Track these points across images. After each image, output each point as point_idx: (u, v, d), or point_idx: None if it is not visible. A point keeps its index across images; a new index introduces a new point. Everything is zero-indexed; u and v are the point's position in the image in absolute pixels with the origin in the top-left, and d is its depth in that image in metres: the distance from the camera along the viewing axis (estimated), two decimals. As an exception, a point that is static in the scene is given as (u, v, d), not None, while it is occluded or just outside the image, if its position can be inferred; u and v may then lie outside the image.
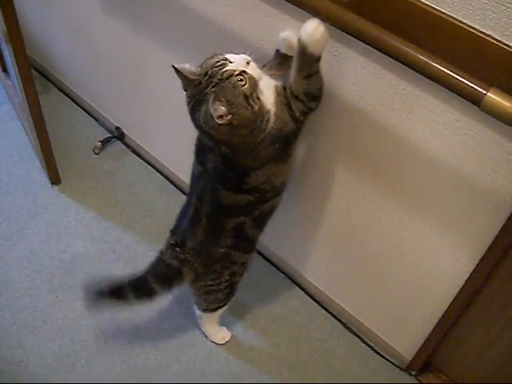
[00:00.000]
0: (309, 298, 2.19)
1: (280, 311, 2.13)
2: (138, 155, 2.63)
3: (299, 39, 1.35)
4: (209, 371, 1.96)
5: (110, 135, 2.67)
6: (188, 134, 2.21)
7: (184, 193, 2.46)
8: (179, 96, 2.13)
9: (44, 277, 2.16)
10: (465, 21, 1.16)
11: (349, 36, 1.35)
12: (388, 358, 2.04)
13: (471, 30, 1.15)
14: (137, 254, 2.25)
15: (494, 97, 1.11)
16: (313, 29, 1.33)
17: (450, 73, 1.17)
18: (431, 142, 1.41)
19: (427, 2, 1.19)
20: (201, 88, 1.37)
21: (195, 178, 1.70)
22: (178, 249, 1.78)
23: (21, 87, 2.10)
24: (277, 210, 1.71)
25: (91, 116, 2.78)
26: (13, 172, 2.50)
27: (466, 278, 1.59)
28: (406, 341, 1.95)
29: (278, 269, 2.25)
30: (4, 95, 2.77)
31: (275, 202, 1.68)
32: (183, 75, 1.39)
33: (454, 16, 1.17)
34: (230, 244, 1.72)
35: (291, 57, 1.46)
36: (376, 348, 2.06)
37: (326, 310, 2.16)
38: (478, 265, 1.53)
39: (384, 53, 1.29)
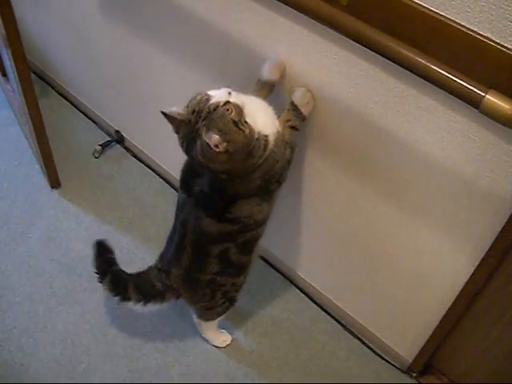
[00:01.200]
0: (309, 301, 2.19)
1: (280, 314, 2.14)
2: (138, 159, 2.63)
3: (292, 102, 1.60)
4: (209, 374, 1.96)
5: (109, 139, 2.67)
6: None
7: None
8: (179, 100, 2.13)
9: (44, 281, 2.16)
10: (463, 23, 1.16)
11: (348, 39, 1.35)
12: (389, 360, 2.04)
13: (470, 32, 1.15)
14: (137, 258, 2.25)
15: (492, 99, 1.11)
16: (301, 96, 1.60)
17: (449, 75, 1.17)
18: (430, 144, 1.41)
19: (426, 5, 1.20)
20: (191, 125, 1.44)
21: (180, 206, 1.75)
22: (164, 275, 1.82)
23: (20, 91, 2.10)
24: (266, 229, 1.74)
25: (91, 120, 2.78)
26: (13, 176, 2.50)
27: (466, 280, 1.59)
28: (407, 343, 1.95)
29: (278, 271, 2.26)
30: (3, 99, 2.77)
31: (259, 232, 1.72)
32: (173, 118, 1.47)
33: (453, 18, 1.17)
34: (215, 271, 1.75)
35: (271, 83, 1.65)
36: (377, 350, 2.06)
37: (327, 313, 2.16)
38: (477, 267, 1.53)
39: (383, 56, 1.29)
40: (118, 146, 2.68)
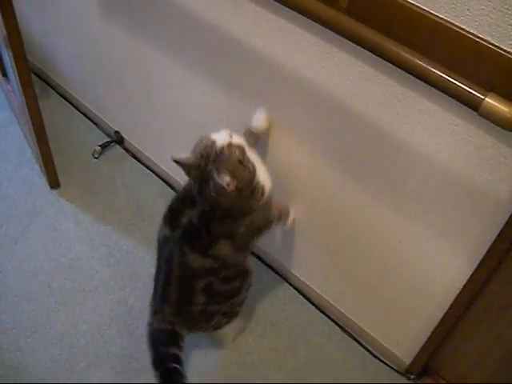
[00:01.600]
0: (307, 302, 2.19)
1: (278, 315, 2.14)
2: (138, 160, 2.63)
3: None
4: (207, 375, 1.96)
5: (109, 139, 2.67)
6: (187, 139, 2.22)
7: (183, 197, 2.47)
8: (179, 101, 2.14)
9: (43, 281, 2.16)
10: (463, 26, 1.17)
11: (347, 41, 1.36)
12: (386, 362, 2.04)
13: (469, 35, 1.16)
14: (135, 258, 2.25)
15: (491, 102, 1.11)
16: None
17: (449, 78, 1.17)
18: (430, 147, 1.41)
19: (426, 8, 1.20)
20: (202, 168, 1.58)
21: (161, 243, 1.81)
22: (160, 315, 1.85)
23: (20, 92, 2.10)
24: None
25: (90, 120, 2.79)
26: (12, 176, 2.50)
27: (464, 282, 1.59)
28: (405, 345, 1.95)
29: (276, 273, 2.26)
30: (4, 100, 2.78)
31: (242, 268, 1.84)
32: (184, 164, 1.61)
33: (452, 21, 1.18)
34: (203, 301, 1.80)
35: (258, 134, 1.80)
36: (374, 352, 2.07)
37: (325, 314, 2.16)
38: (476, 268, 1.53)
39: (382, 58, 1.30)
40: (117, 146, 2.68)
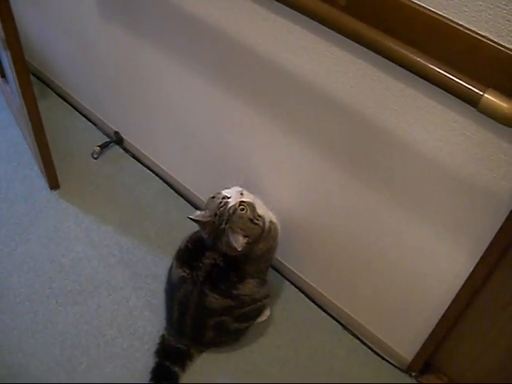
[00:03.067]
0: (309, 301, 2.19)
1: (280, 314, 2.14)
2: (137, 159, 2.63)
3: None
4: (209, 374, 1.96)
5: (108, 140, 2.67)
6: (186, 138, 2.23)
7: (183, 196, 2.47)
8: (178, 101, 2.14)
9: (44, 281, 2.16)
10: (461, 22, 1.17)
11: (345, 38, 1.36)
12: (388, 359, 2.04)
13: (467, 31, 1.16)
14: (136, 258, 2.25)
15: (490, 98, 1.11)
16: None
17: (447, 74, 1.17)
18: (429, 143, 1.41)
19: (423, 4, 1.20)
20: (216, 226, 1.72)
21: (174, 285, 1.87)
22: (176, 339, 1.96)
23: (19, 93, 2.10)
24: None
25: (90, 121, 2.79)
26: (12, 177, 2.50)
27: (465, 279, 1.59)
28: (406, 342, 1.95)
29: (277, 271, 2.26)
30: (2, 101, 2.78)
31: (255, 307, 1.92)
32: (199, 221, 1.74)
33: (450, 18, 1.18)
34: (211, 336, 1.92)
35: None
36: (376, 349, 2.07)
37: (326, 312, 2.16)
38: (477, 265, 1.53)
39: (381, 55, 1.30)
40: (116, 146, 2.68)
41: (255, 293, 1.86)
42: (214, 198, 1.75)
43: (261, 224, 1.74)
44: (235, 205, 1.70)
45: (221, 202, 1.72)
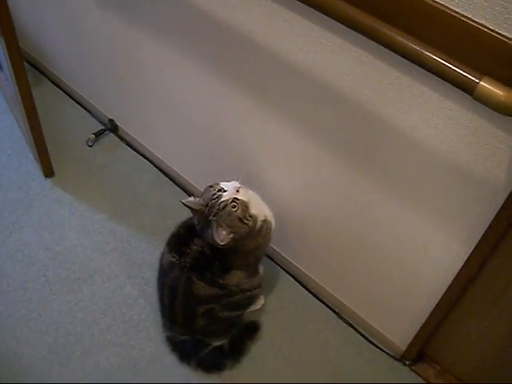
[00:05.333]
0: (303, 289, 2.20)
1: (275, 303, 2.14)
2: (132, 147, 2.62)
3: None
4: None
5: (103, 127, 2.66)
6: (182, 126, 2.22)
7: (178, 184, 2.47)
8: (173, 88, 2.13)
9: (38, 269, 2.16)
10: (458, 10, 1.16)
11: (342, 26, 1.35)
12: (382, 347, 2.05)
13: (464, 19, 1.15)
14: (131, 246, 2.25)
15: (486, 85, 1.11)
16: None
17: (443, 62, 1.17)
18: (424, 132, 1.41)
19: (420, -8, 1.20)
20: (204, 216, 1.71)
21: (164, 270, 1.89)
22: (175, 330, 1.98)
23: (13, 80, 2.09)
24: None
25: (84, 108, 2.78)
26: (6, 165, 2.49)
27: (459, 268, 1.59)
28: (400, 331, 1.96)
29: (273, 260, 2.26)
30: (-4, 88, 2.77)
31: (245, 296, 1.92)
32: (190, 208, 1.73)
33: (447, 5, 1.17)
34: (202, 324, 1.90)
35: None
36: (370, 338, 2.07)
37: (321, 301, 2.16)
38: (471, 254, 1.53)
39: (377, 42, 1.29)
40: (111, 134, 2.67)
41: (243, 284, 1.86)
42: (211, 187, 1.74)
43: (250, 224, 1.72)
44: (228, 200, 1.68)
45: (214, 194, 1.71)
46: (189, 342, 1.95)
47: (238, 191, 1.72)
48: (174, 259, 1.82)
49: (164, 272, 1.88)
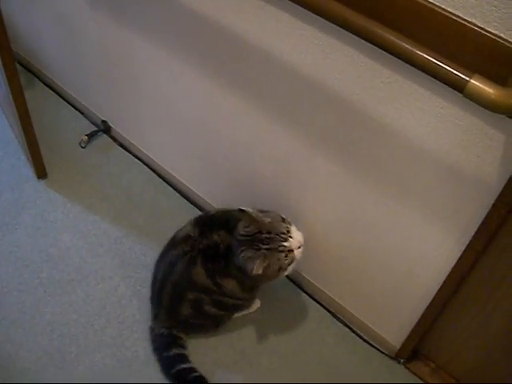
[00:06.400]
0: (298, 289, 2.20)
1: (269, 302, 2.14)
2: (125, 148, 2.62)
3: None
4: (195, 362, 1.96)
5: (96, 129, 2.66)
6: (174, 127, 2.22)
7: (171, 185, 2.47)
8: (165, 89, 2.13)
9: (32, 271, 2.15)
10: (448, 9, 1.16)
11: (333, 25, 1.35)
12: (377, 346, 2.05)
13: (454, 17, 1.15)
14: (125, 247, 2.25)
15: (476, 83, 1.11)
16: None
17: (434, 60, 1.17)
18: (416, 130, 1.41)
19: (410, -10, 1.20)
20: (257, 237, 1.66)
21: (174, 242, 1.87)
22: (158, 318, 1.95)
23: (5, 81, 2.08)
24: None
25: (77, 110, 2.77)
26: (-1, 167, 2.49)
27: (452, 265, 1.60)
28: (395, 329, 1.96)
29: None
30: (-12, 90, 2.76)
31: (236, 303, 1.93)
32: (252, 218, 1.67)
33: (438, 4, 1.17)
34: (186, 314, 1.88)
35: None
36: (365, 337, 2.08)
37: (315, 301, 2.17)
38: (464, 251, 1.54)
39: (368, 41, 1.29)
40: (104, 135, 2.67)
41: (237, 293, 1.87)
42: (283, 221, 1.71)
43: (280, 274, 1.71)
44: (287, 248, 1.67)
45: (283, 233, 1.67)
46: (164, 336, 1.93)
47: (299, 248, 1.70)
48: (193, 234, 1.81)
49: (173, 244, 1.86)
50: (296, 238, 1.70)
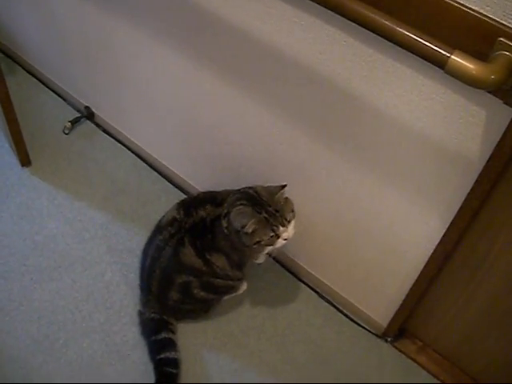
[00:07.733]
0: (284, 270, 2.21)
1: (256, 284, 2.15)
2: (109, 134, 2.61)
3: None
4: (186, 345, 1.97)
5: (79, 115, 2.64)
6: (158, 112, 2.21)
7: (156, 170, 2.46)
8: (148, 73, 2.12)
9: (18, 259, 2.15)
10: (428, -15, 1.17)
11: (313, 3, 1.34)
12: (364, 325, 2.07)
13: (434, -7, 1.16)
14: (111, 233, 2.25)
15: (457, 59, 1.11)
16: None
17: (415, 37, 1.17)
18: (399, 108, 1.42)
19: (390, -33, 1.20)
20: (265, 207, 1.71)
21: (159, 228, 1.87)
22: (148, 304, 1.95)
23: (-14, 69, 2.07)
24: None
25: (59, 96, 2.75)
26: (-18, 155, 2.47)
27: (436, 243, 1.61)
28: (381, 308, 1.97)
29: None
30: (-31, 78, 2.73)
31: (227, 284, 1.93)
32: (273, 194, 1.74)
33: (417, -20, 1.17)
34: (175, 299, 1.88)
35: None
36: (352, 316, 2.09)
37: (301, 281, 2.18)
38: (448, 229, 1.55)
39: (349, 19, 1.29)
40: (88, 122, 2.65)
41: (227, 270, 1.87)
42: (292, 211, 1.77)
43: (255, 250, 1.78)
44: (281, 234, 1.73)
45: (285, 221, 1.73)
46: (155, 321, 1.94)
47: (284, 240, 1.76)
48: (178, 216, 1.82)
49: (159, 229, 1.87)
50: (289, 231, 1.75)
